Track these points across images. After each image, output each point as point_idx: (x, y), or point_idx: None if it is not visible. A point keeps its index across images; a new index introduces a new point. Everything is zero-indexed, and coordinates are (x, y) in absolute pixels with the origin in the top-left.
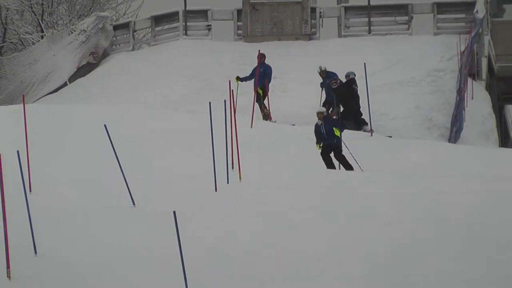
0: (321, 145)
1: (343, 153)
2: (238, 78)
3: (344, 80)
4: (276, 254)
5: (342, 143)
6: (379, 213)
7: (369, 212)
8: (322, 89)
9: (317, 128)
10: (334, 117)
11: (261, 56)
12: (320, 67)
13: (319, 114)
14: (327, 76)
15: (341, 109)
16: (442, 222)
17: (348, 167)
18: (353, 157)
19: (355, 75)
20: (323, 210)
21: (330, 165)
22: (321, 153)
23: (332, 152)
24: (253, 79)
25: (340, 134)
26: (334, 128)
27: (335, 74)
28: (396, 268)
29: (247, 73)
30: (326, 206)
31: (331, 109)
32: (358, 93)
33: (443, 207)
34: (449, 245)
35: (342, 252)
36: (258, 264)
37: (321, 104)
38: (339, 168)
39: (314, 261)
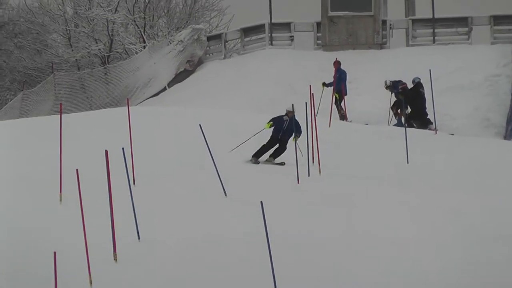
0: (270, 125)
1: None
2: (324, 84)
3: (410, 85)
4: (356, 239)
5: (298, 148)
6: (444, 202)
7: (435, 201)
8: (391, 93)
9: (280, 121)
10: (402, 117)
11: (337, 63)
12: (386, 82)
13: (289, 112)
14: (394, 87)
15: (409, 110)
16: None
17: (275, 155)
18: (300, 149)
19: (419, 79)
20: (396, 199)
21: (258, 156)
22: (268, 142)
23: (279, 143)
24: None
25: (296, 140)
26: (294, 135)
27: (401, 81)
28: (466, 257)
29: (326, 78)
30: (399, 196)
31: (399, 109)
32: (425, 96)
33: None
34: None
35: (416, 237)
36: (339, 249)
37: (391, 105)
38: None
39: (391, 245)
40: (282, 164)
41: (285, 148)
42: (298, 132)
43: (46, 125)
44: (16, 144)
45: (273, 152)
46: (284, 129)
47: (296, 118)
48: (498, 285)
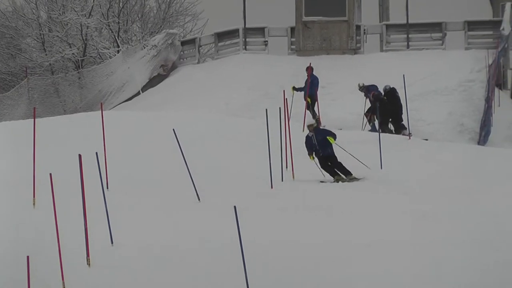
0: (313, 155)
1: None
2: (294, 88)
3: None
4: (329, 244)
5: (340, 147)
6: (417, 207)
7: (408, 206)
8: (366, 98)
9: (309, 139)
10: (376, 121)
11: (310, 69)
12: (359, 84)
13: (309, 126)
14: (368, 90)
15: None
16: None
17: (346, 172)
18: (354, 157)
19: (390, 86)
20: (370, 204)
21: (334, 174)
22: (322, 167)
23: (330, 163)
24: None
25: (334, 140)
26: (327, 137)
27: (375, 86)
28: (441, 258)
29: (300, 83)
30: (373, 201)
31: (373, 115)
32: (400, 101)
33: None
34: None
35: (390, 241)
36: (311, 251)
37: (365, 111)
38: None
39: (360, 248)
40: (357, 179)
41: (338, 161)
42: (332, 135)
43: (20, 130)
44: None
45: (342, 172)
46: (316, 144)
47: (320, 127)
48: None
